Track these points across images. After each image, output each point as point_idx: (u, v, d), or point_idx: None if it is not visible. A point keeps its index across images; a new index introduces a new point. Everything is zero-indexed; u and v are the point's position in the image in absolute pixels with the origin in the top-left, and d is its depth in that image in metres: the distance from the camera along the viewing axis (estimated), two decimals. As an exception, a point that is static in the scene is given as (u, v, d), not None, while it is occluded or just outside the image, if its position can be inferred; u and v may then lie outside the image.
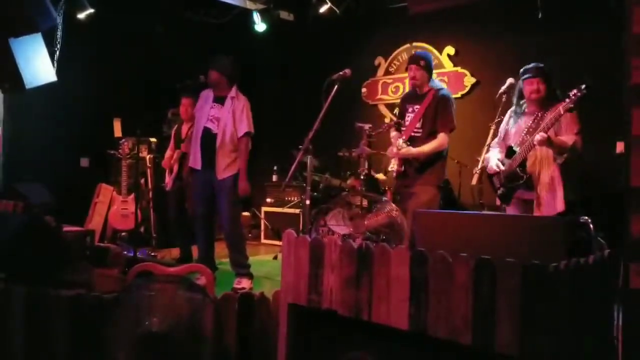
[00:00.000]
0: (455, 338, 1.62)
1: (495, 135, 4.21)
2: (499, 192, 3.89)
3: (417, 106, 4.33)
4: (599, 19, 5.07)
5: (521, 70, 3.86)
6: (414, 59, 4.37)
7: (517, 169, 3.75)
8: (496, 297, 1.56)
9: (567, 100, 3.46)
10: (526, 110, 3.87)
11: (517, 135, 3.85)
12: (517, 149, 3.77)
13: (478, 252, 1.64)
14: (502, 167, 3.84)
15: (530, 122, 3.77)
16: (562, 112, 3.49)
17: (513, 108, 3.96)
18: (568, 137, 3.65)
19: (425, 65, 4.31)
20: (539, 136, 3.55)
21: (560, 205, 3.65)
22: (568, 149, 3.65)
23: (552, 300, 1.57)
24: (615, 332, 2.02)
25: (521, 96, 3.89)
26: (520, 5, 5.77)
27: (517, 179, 3.75)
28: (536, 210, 3.68)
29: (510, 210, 3.86)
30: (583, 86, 3.41)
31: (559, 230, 2.06)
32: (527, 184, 3.75)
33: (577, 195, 3.83)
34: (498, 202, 3.97)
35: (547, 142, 3.58)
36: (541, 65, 3.82)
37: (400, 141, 4.17)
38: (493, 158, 3.94)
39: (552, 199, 3.68)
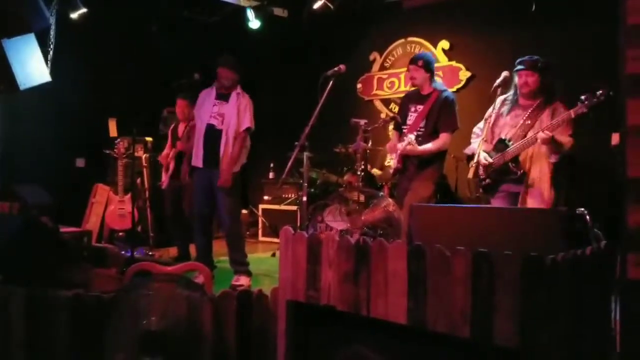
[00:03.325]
0: (454, 332, 1.62)
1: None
2: (484, 182, 3.86)
3: (420, 106, 4.35)
4: (594, 12, 5.07)
5: (516, 61, 3.85)
6: (412, 60, 4.41)
7: (510, 164, 3.74)
8: (495, 290, 1.56)
9: (580, 104, 3.40)
10: (520, 102, 3.84)
11: (509, 128, 3.81)
12: (510, 144, 3.74)
13: (476, 245, 1.64)
14: (490, 160, 3.80)
15: (526, 116, 3.74)
16: (572, 116, 3.46)
17: (509, 96, 3.90)
18: (565, 139, 3.63)
19: (423, 64, 4.32)
20: (543, 134, 3.53)
21: (547, 202, 3.64)
22: (565, 150, 3.65)
23: (551, 292, 1.57)
24: (613, 323, 2.03)
25: (516, 87, 3.87)
26: (514, -1, 5.77)
27: (509, 174, 3.74)
28: (521, 204, 3.67)
29: (497, 203, 3.85)
30: (600, 92, 3.31)
31: (557, 222, 2.06)
32: (518, 178, 3.74)
33: (563, 193, 3.83)
34: (479, 192, 3.92)
35: (551, 141, 3.55)
36: (535, 58, 3.79)
37: (412, 137, 4.18)
38: (478, 150, 3.89)
39: (539, 195, 3.66)
